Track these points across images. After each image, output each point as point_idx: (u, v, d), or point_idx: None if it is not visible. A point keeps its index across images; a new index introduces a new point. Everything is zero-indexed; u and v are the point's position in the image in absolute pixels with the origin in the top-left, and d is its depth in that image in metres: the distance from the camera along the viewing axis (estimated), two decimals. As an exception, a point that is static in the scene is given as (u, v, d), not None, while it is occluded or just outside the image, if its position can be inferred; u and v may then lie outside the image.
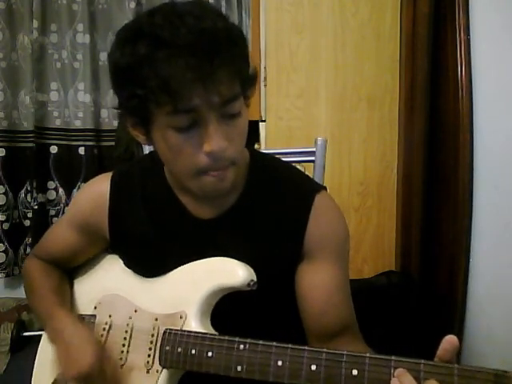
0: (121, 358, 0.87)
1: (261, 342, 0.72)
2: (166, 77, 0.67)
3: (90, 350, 0.82)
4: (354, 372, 0.65)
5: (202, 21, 0.69)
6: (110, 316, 0.92)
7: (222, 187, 0.79)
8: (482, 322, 1.57)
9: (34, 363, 1.00)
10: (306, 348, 0.69)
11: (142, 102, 0.71)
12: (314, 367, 0.68)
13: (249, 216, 0.87)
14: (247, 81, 0.77)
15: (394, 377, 0.62)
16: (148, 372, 0.82)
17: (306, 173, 1.01)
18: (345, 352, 0.67)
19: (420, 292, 1.85)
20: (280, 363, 0.70)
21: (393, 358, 0.63)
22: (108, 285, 0.96)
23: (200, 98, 0.69)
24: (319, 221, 0.86)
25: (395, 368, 0.62)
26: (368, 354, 0.65)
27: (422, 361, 0.62)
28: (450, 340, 0.61)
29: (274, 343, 0.71)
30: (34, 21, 2.18)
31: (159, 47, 0.67)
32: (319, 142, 1.26)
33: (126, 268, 0.95)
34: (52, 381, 0.88)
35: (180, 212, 0.89)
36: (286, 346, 0.70)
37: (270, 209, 0.87)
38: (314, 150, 1.26)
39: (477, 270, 1.59)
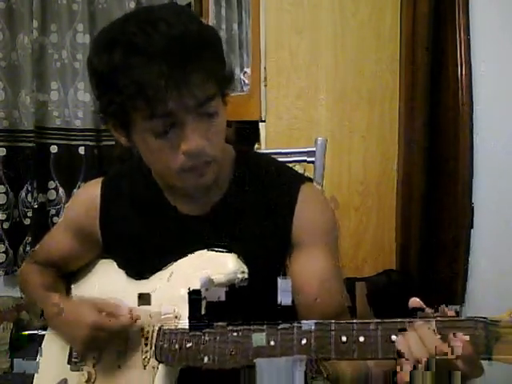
0: (119, 358, 0.87)
1: (252, 324, 0.73)
2: (141, 83, 0.70)
3: (87, 312, 0.84)
4: (344, 338, 0.66)
5: (173, 27, 0.72)
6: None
7: (202, 183, 0.82)
8: (482, 322, 1.57)
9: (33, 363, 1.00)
10: (295, 324, 0.70)
11: (120, 107, 0.74)
12: (304, 341, 0.69)
13: (235, 211, 0.88)
14: (223, 80, 0.79)
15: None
16: (145, 368, 0.83)
17: (306, 173, 1.01)
18: (333, 321, 0.68)
19: (420, 291, 1.84)
20: (272, 343, 0.70)
21: (375, 320, 0.67)
22: (103, 290, 0.97)
23: (175, 102, 0.72)
24: (305, 210, 0.87)
25: (381, 330, 0.65)
26: (355, 320, 0.67)
27: (407, 319, 0.68)
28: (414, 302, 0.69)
29: (265, 322, 0.72)
30: (34, 21, 2.19)
31: (133, 54, 0.71)
32: (319, 142, 1.26)
33: (120, 270, 0.96)
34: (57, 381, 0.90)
35: (167, 210, 0.90)
36: (276, 323, 0.71)
37: (256, 203, 0.88)
38: (314, 149, 1.27)
39: (477, 270, 1.59)
